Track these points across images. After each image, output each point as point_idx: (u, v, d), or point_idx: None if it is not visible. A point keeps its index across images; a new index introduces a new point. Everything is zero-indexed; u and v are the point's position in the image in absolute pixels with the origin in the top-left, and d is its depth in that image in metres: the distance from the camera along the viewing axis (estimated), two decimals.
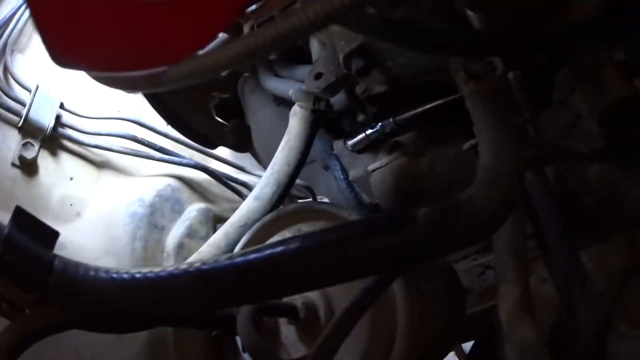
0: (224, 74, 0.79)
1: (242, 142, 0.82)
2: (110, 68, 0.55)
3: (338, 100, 1.04)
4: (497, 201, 0.65)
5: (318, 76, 0.94)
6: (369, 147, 1.10)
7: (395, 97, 0.97)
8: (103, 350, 0.87)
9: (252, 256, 0.61)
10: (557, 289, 0.85)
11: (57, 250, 0.92)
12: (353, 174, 1.10)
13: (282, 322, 0.86)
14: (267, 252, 0.61)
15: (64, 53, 0.51)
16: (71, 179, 0.96)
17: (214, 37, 0.54)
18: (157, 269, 0.62)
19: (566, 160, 0.91)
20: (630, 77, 0.79)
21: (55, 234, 0.67)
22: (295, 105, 0.99)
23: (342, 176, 1.13)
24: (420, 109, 1.05)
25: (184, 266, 0.62)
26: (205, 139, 0.79)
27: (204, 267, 0.61)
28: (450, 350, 1.03)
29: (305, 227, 0.90)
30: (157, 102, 0.75)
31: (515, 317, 0.81)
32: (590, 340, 0.77)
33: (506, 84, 0.82)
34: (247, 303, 0.76)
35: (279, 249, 0.61)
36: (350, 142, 1.11)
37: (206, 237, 0.98)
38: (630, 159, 0.88)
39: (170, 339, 0.91)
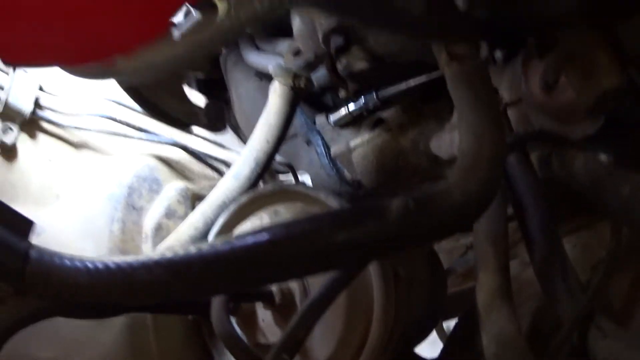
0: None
1: (215, 122, 0.79)
2: (58, 62, 0.52)
3: (319, 76, 1.00)
4: (477, 191, 0.62)
5: (297, 53, 0.91)
6: (352, 122, 1.08)
7: (377, 74, 0.94)
8: (84, 334, 0.87)
9: (220, 247, 0.60)
10: (538, 278, 0.84)
11: (37, 234, 0.91)
12: (335, 149, 1.07)
13: (259, 305, 0.85)
14: (235, 244, 0.60)
15: (9, 51, 0.49)
16: (50, 161, 0.93)
17: (165, 24, 0.52)
18: (129, 258, 0.62)
19: (550, 143, 0.88)
20: (623, 64, 0.76)
21: (30, 223, 0.67)
22: (275, 81, 0.95)
23: (324, 151, 1.10)
24: (404, 85, 1.02)
25: (156, 256, 0.62)
26: (177, 120, 0.77)
27: (175, 257, 0.61)
28: (432, 331, 1.03)
29: (281, 209, 0.88)
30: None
31: (493, 308, 0.80)
32: (569, 334, 0.75)
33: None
34: (214, 294, 0.75)
35: (247, 241, 0.59)
36: (332, 118, 1.09)
37: (184, 217, 0.96)
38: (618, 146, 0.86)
39: (150, 323, 0.90)
